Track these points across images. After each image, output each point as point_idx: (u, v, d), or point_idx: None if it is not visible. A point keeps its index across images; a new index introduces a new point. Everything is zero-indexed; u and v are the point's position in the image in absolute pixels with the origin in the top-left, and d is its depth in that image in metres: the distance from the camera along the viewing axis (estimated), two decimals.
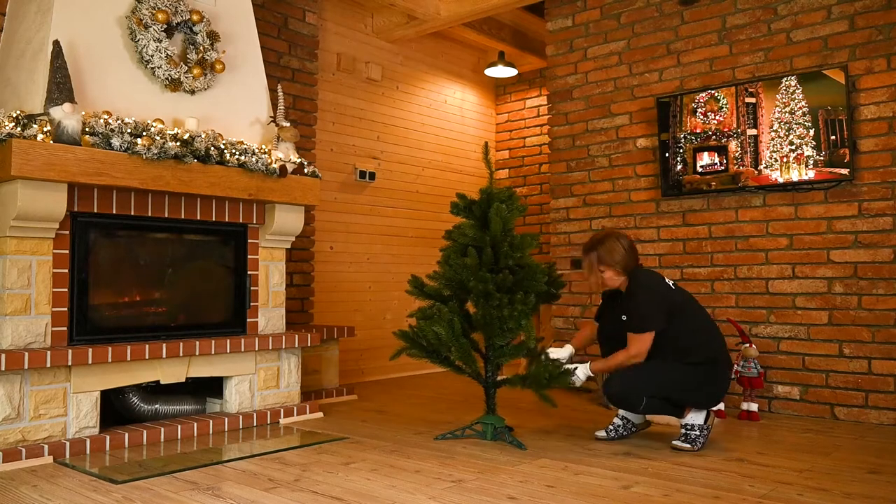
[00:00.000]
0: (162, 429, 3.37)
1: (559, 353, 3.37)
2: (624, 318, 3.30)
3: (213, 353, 3.57)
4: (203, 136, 3.48)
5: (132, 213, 3.41)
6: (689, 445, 3.18)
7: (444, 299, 3.37)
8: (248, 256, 3.91)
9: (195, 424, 3.49)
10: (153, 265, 3.62)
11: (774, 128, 4.07)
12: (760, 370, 3.93)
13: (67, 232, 3.24)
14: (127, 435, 3.25)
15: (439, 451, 3.16)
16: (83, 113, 3.17)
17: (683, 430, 3.23)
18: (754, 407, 3.92)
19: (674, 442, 3.24)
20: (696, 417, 3.22)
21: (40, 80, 3.18)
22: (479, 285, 3.19)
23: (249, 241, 3.91)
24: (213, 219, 3.72)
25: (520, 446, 3.22)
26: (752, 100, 4.15)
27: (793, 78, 4.01)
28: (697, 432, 3.19)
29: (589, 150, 4.94)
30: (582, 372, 3.30)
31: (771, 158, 4.08)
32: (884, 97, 3.85)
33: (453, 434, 3.41)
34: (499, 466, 2.91)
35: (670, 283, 3.36)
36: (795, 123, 4.00)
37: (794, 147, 4.00)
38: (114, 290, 3.49)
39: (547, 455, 3.11)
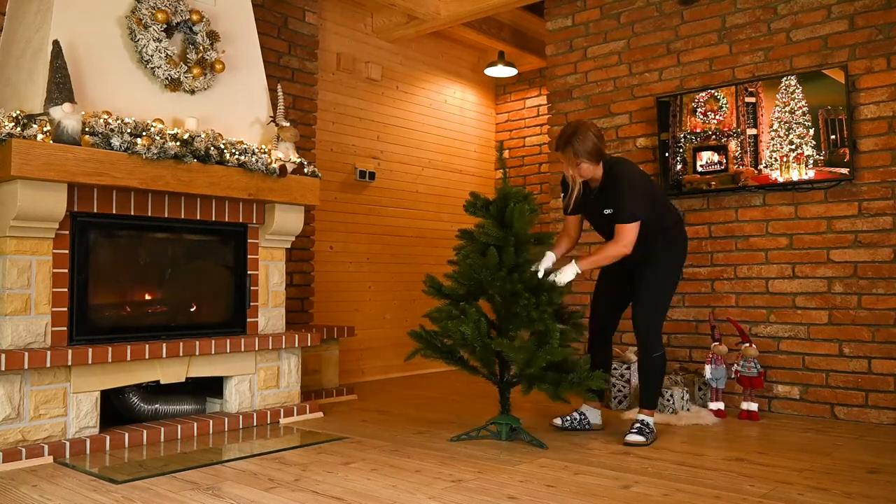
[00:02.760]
0: (162, 429, 3.37)
1: (542, 263, 3.35)
2: (607, 211, 3.40)
3: (213, 352, 3.57)
4: (203, 135, 3.48)
5: (132, 213, 3.41)
6: (643, 438, 3.32)
7: (461, 299, 3.37)
8: (248, 256, 3.91)
9: (195, 424, 3.49)
10: (153, 265, 3.62)
11: (774, 127, 4.07)
12: (760, 370, 3.93)
13: (67, 232, 3.24)
14: (127, 435, 3.25)
15: (439, 451, 3.16)
16: (83, 113, 3.17)
17: (638, 425, 3.38)
18: (754, 407, 3.91)
19: (628, 437, 3.33)
20: (648, 419, 3.41)
21: (40, 79, 3.18)
22: (507, 285, 3.20)
23: (249, 240, 3.91)
24: (213, 219, 3.72)
25: (540, 445, 3.23)
26: (752, 99, 4.15)
27: (793, 77, 4.01)
28: (649, 430, 3.37)
29: None
30: (570, 270, 3.32)
31: (771, 158, 4.08)
32: (884, 97, 3.85)
33: (468, 435, 3.41)
34: (499, 466, 2.91)
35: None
36: (795, 123, 4.00)
37: (793, 147, 4.00)
38: (114, 290, 3.49)
39: (547, 455, 3.11)
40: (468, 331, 3.22)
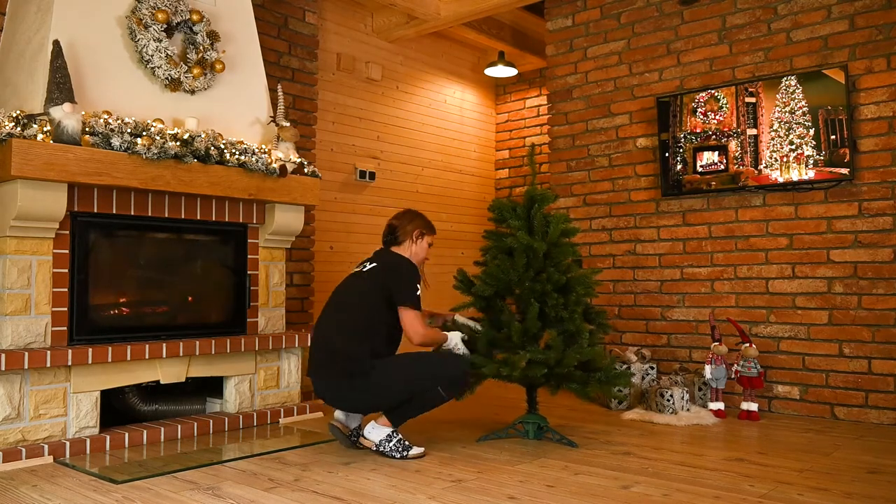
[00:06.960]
0: (162, 429, 3.37)
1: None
2: None
3: (213, 352, 3.57)
4: (203, 135, 3.48)
5: (132, 213, 3.41)
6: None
7: (488, 299, 3.40)
8: (248, 256, 3.91)
9: (195, 424, 3.49)
10: (153, 265, 3.62)
11: (774, 127, 4.07)
12: (760, 370, 3.93)
13: (67, 232, 3.24)
14: (127, 435, 3.25)
15: (440, 451, 3.16)
16: (83, 113, 3.17)
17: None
18: (754, 407, 3.91)
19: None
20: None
21: (40, 80, 3.18)
22: (537, 286, 3.24)
23: (249, 241, 3.91)
24: (213, 219, 3.72)
25: (571, 444, 3.25)
26: (752, 99, 4.15)
27: (793, 78, 4.01)
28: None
29: (589, 150, 4.94)
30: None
31: (771, 158, 4.08)
32: (884, 97, 3.85)
33: (496, 434, 3.42)
34: (499, 466, 2.91)
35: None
36: (795, 123, 4.00)
37: (794, 147, 4.00)
38: (114, 289, 3.49)
39: (547, 455, 3.11)
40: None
